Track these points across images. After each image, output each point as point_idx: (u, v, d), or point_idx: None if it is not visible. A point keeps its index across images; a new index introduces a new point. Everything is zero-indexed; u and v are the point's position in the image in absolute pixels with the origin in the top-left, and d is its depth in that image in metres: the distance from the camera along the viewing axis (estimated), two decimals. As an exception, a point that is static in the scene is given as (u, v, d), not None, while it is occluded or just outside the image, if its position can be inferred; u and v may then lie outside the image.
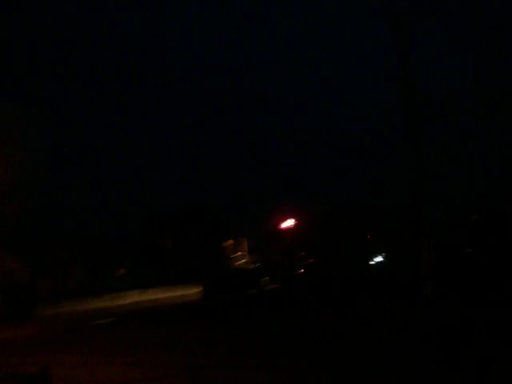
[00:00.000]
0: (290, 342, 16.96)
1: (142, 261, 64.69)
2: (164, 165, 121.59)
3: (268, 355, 14.80)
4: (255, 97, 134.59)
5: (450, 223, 48.75)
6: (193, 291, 47.87)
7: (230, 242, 75.69)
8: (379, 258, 63.40)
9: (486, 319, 17.65)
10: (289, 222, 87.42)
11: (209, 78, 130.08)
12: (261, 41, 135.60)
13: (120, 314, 33.71)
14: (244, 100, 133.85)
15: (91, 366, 14.50)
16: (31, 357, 16.79)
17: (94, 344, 20.46)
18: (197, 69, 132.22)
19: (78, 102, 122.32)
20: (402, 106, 23.32)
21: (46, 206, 62.86)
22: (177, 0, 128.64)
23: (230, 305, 34.38)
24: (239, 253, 76.20)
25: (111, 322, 30.20)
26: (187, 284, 52.75)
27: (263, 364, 13.31)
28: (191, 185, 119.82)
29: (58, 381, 10.62)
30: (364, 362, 12.53)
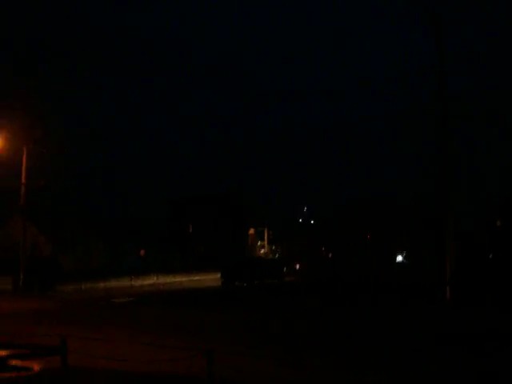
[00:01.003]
0: (305, 335, 16.99)
1: (165, 244, 65.12)
2: (193, 150, 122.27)
3: (282, 346, 14.85)
4: (285, 90, 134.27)
5: (473, 227, 48.26)
6: (212, 277, 48.08)
7: (252, 231, 75.72)
8: (399, 258, 63.07)
9: (502, 327, 17.48)
10: (309, 217, 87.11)
11: (243, 68, 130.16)
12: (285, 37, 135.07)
13: (139, 295, 34.02)
14: (274, 92, 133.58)
15: (106, 343, 14.63)
16: (49, 329, 17.01)
17: (111, 321, 20.68)
18: (227, 61, 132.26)
19: (110, 87, 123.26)
20: (435, 103, 23.11)
21: (73, 185, 63.67)
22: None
23: (248, 292, 34.51)
24: (259, 242, 76.26)
25: (130, 301, 30.50)
26: (207, 270, 52.97)
27: (277, 356, 13.34)
28: (218, 171, 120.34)
29: (72, 353, 10.75)
30: (376, 364, 12.49)
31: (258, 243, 76.32)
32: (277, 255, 71.83)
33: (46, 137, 37.63)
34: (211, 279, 47.00)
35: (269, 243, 75.89)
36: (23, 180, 36.28)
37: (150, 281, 46.56)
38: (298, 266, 56.75)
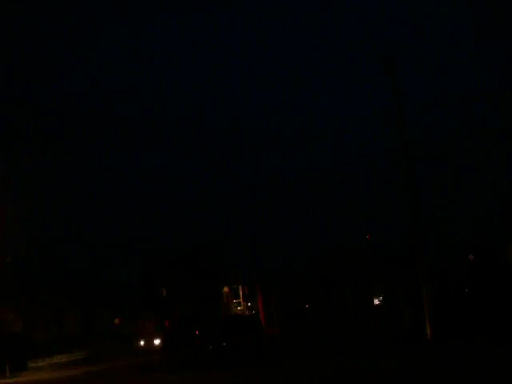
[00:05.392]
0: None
1: (140, 310, 63.80)
2: (163, 210, 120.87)
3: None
4: (252, 142, 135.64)
5: (446, 263, 48.49)
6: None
7: (226, 289, 74.98)
8: (376, 301, 62.95)
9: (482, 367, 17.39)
10: (284, 268, 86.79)
11: (210, 123, 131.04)
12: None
13: (117, 366, 33.03)
14: (242, 145, 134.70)
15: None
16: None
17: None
18: (200, 113, 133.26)
19: (80, 142, 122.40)
20: (396, 146, 23.46)
21: (41, 254, 62.33)
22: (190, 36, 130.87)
23: (227, 352, 33.82)
24: (234, 300, 75.45)
25: (102, 370, 29.57)
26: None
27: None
28: (189, 231, 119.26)
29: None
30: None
31: (234, 301, 75.42)
32: (253, 311, 70.95)
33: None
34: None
35: (244, 300, 75.04)
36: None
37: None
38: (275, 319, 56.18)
